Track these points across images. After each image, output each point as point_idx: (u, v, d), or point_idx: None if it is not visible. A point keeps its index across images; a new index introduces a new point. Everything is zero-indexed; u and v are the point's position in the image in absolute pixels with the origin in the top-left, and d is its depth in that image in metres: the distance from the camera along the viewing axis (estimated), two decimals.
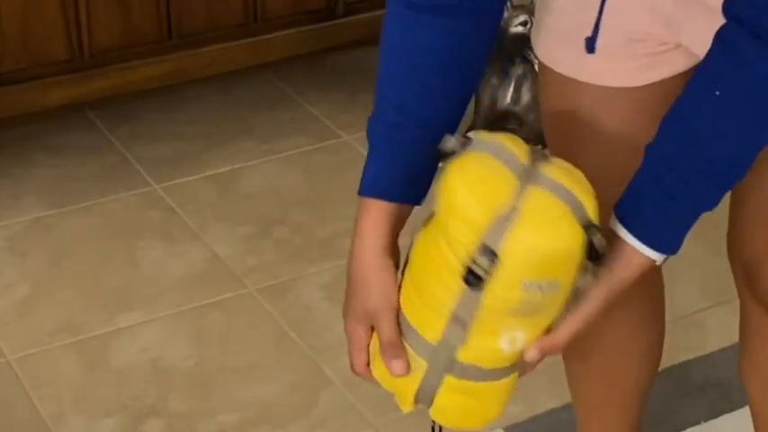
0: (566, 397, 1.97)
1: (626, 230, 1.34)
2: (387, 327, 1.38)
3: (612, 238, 1.35)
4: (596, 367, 1.87)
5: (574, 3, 1.52)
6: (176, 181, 3.01)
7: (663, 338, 1.88)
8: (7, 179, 3.00)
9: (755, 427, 1.86)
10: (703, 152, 1.32)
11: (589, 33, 1.51)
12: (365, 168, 1.45)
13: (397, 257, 1.42)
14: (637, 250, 1.34)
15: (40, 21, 2.88)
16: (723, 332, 2.49)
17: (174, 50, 3.05)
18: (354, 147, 3.07)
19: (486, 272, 1.26)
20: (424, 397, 1.39)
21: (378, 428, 2.31)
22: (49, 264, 2.72)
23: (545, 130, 1.70)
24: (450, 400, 1.37)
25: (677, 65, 1.54)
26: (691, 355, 2.47)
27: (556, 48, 1.58)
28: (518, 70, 3.02)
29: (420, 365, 1.37)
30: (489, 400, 1.40)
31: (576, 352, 1.87)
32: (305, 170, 3.04)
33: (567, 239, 1.27)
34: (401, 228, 1.43)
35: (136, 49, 3.01)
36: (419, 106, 1.43)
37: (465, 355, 1.33)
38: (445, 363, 1.35)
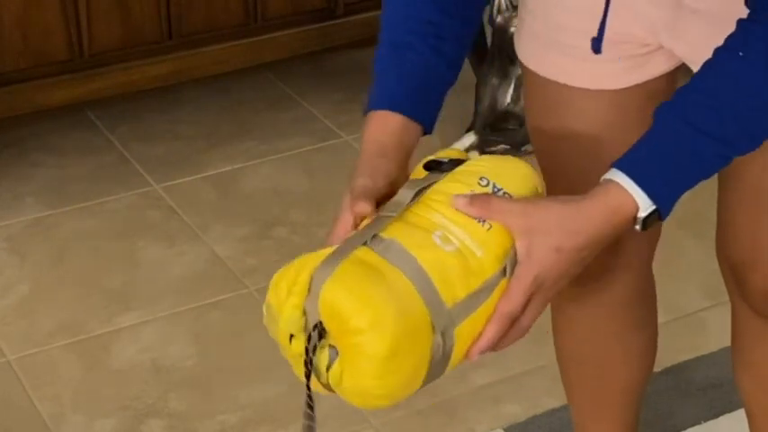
0: (566, 397, 1.97)
1: (617, 170, 1.29)
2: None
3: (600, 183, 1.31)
4: (590, 369, 1.88)
5: (551, 3, 1.53)
6: (176, 181, 3.01)
7: (656, 340, 1.88)
8: (7, 179, 3.00)
9: (750, 426, 1.87)
10: (719, 110, 1.29)
11: (574, 38, 1.52)
12: (370, 93, 1.44)
13: (402, 171, 1.37)
14: (616, 184, 1.28)
15: (40, 21, 2.88)
16: (723, 332, 2.48)
17: (174, 50, 3.05)
18: (354, 147, 3.07)
19: None
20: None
21: (378, 428, 2.31)
22: (49, 264, 2.72)
23: (529, 131, 1.70)
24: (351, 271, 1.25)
25: (659, 67, 1.54)
26: (691, 355, 2.47)
27: (538, 50, 1.59)
28: (518, 70, 3.02)
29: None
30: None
31: (570, 353, 1.88)
32: (305, 170, 3.04)
33: None
34: (410, 151, 1.39)
35: (136, 49, 3.01)
36: (424, 28, 1.42)
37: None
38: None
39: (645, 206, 1.29)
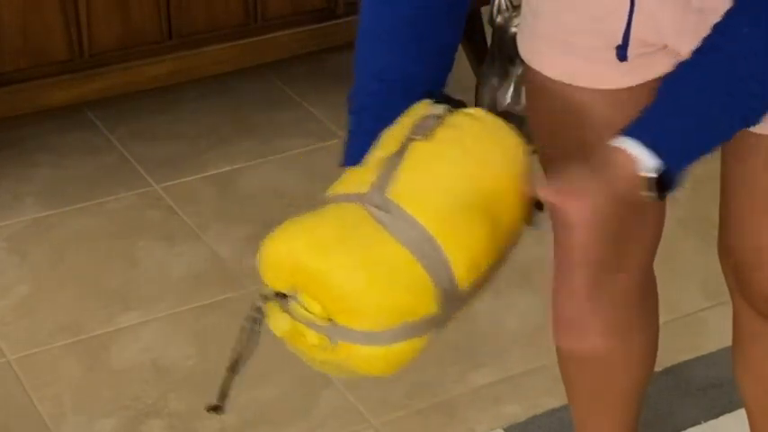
0: (566, 397, 1.98)
1: (626, 137, 1.33)
2: None
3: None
4: (591, 370, 1.87)
5: (562, 6, 1.53)
6: (176, 181, 3.01)
7: (657, 340, 1.88)
8: (7, 179, 3.00)
9: (751, 426, 1.87)
10: (728, 74, 1.31)
11: (579, 38, 1.52)
12: (347, 142, 1.46)
13: None
14: (629, 152, 1.32)
15: (40, 21, 2.88)
16: (723, 332, 2.48)
17: (174, 50, 3.05)
18: None
19: None
20: None
21: (378, 428, 2.31)
22: (49, 264, 2.72)
23: (531, 130, 1.70)
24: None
25: (664, 66, 1.54)
26: (691, 355, 2.47)
27: (541, 50, 1.59)
28: (518, 70, 3.02)
29: None
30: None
31: (571, 354, 1.87)
32: (305, 170, 3.04)
33: None
34: None
35: (136, 49, 3.01)
36: (398, 70, 1.45)
37: None
38: None
39: (654, 164, 1.32)
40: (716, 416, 2.32)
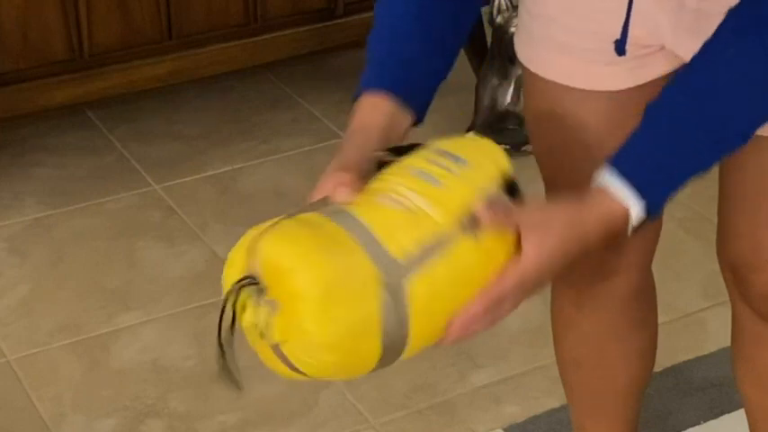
0: (565, 397, 1.98)
1: (605, 174, 1.30)
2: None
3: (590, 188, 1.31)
4: (590, 370, 1.87)
5: (558, 7, 1.53)
6: (176, 181, 3.01)
7: (656, 340, 1.88)
8: (7, 179, 3.00)
9: (750, 427, 1.86)
10: (710, 105, 1.30)
11: (575, 39, 1.52)
12: (362, 77, 1.43)
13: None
14: (609, 188, 1.29)
15: (40, 21, 2.88)
16: (723, 332, 2.49)
17: (174, 50, 3.05)
18: None
19: None
20: None
21: (377, 428, 2.31)
22: (49, 264, 2.72)
23: (528, 130, 1.70)
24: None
25: (661, 68, 1.54)
26: (691, 355, 2.47)
27: (538, 51, 1.59)
28: (518, 70, 3.02)
29: None
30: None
31: (570, 354, 1.88)
32: (305, 170, 3.04)
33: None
34: (399, 137, 1.38)
35: (136, 49, 3.01)
36: (423, 22, 1.42)
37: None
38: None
39: (637, 214, 1.29)
40: (716, 416, 2.32)
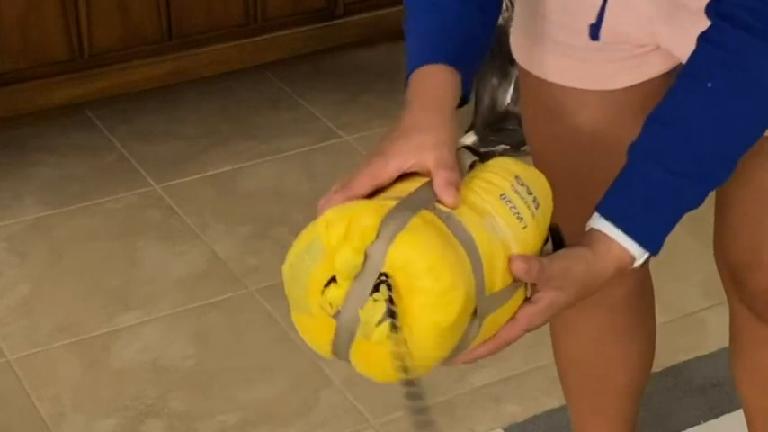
0: (564, 397, 1.98)
1: (605, 221, 1.30)
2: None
3: (592, 231, 1.32)
4: (589, 371, 1.87)
5: (554, 6, 1.53)
6: (176, 181, 3.01)
7: (654, 341, 1.88)
8: (7, 179, 3.00)
9: (749, 427, 1.86)
10: (692, 147, 1.31)
11: (570, 39, 1.52)
12: (409, 53, 1.38)
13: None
14: (614, 240, 1.30)
15: (40, 21, 2.88)
16: (723, 332, 2.49)
17: (174, 50, 3.05)
18: (354, 147, 3.07)
19: None
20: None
21: (378, 428, 2.31)
22: (49, 264, 2.72)
23: (525, 131, 1.70)
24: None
25: (656, 67, 1.54)
26: (691, 355, 2.47)
27: (534, 51, 1.58)
28: (518, 70, 3.02)
29: None
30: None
31: (569, 355, 1.87)
32: (305, 170, 3.04)
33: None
34: (454, 102, 1.35)
35: (136, 49, 3.01)
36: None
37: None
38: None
39: (640, 252, 1.31)
40: (716, 416, 2.32)
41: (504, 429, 2.30)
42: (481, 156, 1.33)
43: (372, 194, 1.25)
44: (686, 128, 1.31)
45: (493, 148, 3.05)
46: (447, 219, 1.21)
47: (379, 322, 1.17)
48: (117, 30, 2.97)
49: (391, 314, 1.16)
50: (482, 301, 1.21)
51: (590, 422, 1.92)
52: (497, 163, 1.31)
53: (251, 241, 2.80)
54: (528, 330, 1.30)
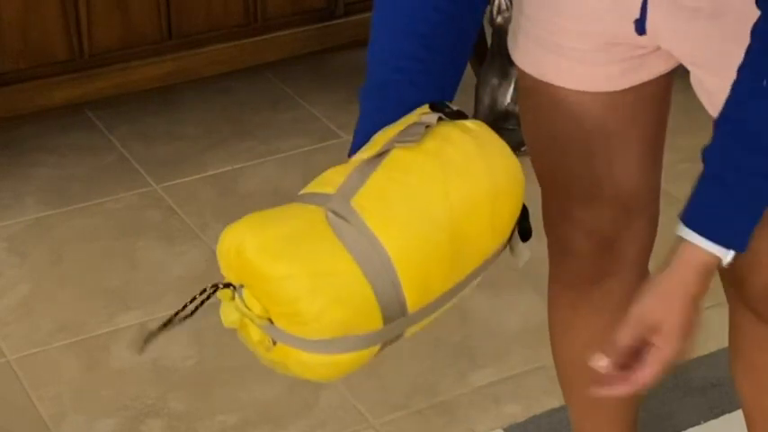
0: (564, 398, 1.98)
1: (687, 229, 1.34)
2: None
3: (676, 242, 1.35)
4: (588, 371, 1.87)
5: (551, 8, 1.52)
6: (176, 181, 3.01)
7: None
8: (7, 179, 3.00)
9: (749, 428, 1.86)
10: (757, 144, 1.31)
11: (569, 41, 1.51)
12: (354, 134, 1.44)
13: None
14: (698, 247, 1.34)
15: (40, 21, 2.88)
16: (723, 332, 2.48)
17: (174, 50, 3.05)
18: None
19: None
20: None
21: (378, 428, 2.31)
22: (49, 264, 2.72)
23: (523, 132, 1.70)
24: None
25: (656, 68, 1.53)
26: (691, 355, 2.46)
27: (531, 51, 1.58)
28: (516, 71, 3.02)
29: None
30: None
31: (568, 357, 1.87)
32: (305, 170, 3.04)
33: None
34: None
35: (136, 49, 3.01)
36: (410, 64, 1.41)
37: None
38: None
39: (725, 253, 1.36)
40: (716, 416, 2.32)
41: (504, 429, 2.30)
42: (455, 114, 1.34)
43: None
44: (748, 127, 1.31)
45: None
46: (345, 221, 1.27)
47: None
48: (117, 30, 2.97)
49: (226, 286, 1.33)
50: (392, 305, 1.23)
51: (590, 423, 1.92)
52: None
53: None
54: (674, 360, 1.44)
